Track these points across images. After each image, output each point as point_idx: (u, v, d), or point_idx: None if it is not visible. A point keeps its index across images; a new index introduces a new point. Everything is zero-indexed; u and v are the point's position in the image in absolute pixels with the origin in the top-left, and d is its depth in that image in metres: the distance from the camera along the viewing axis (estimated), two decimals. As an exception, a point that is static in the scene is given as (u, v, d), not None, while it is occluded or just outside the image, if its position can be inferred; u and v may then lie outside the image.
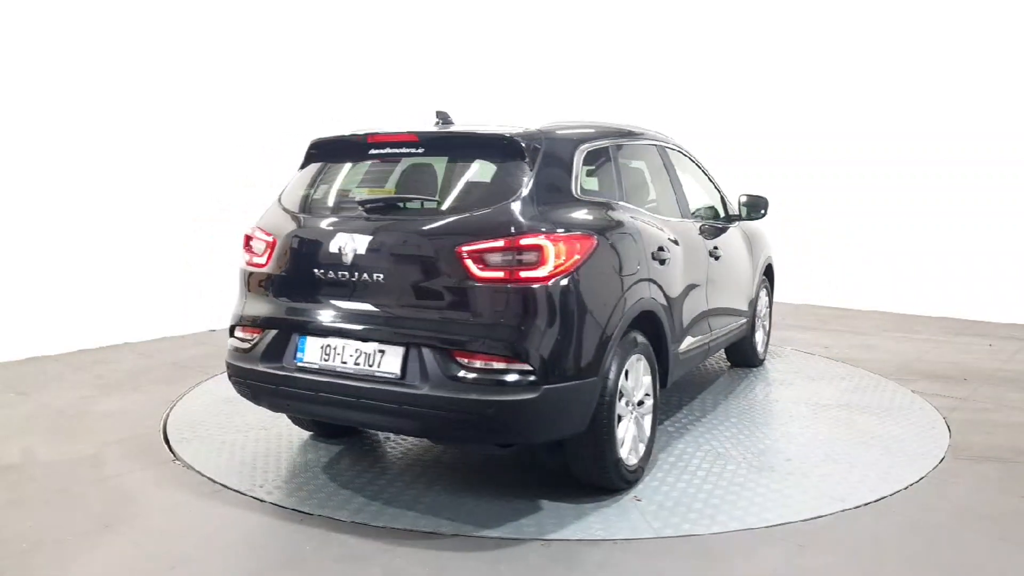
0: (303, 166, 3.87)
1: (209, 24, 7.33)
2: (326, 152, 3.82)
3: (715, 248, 4.74)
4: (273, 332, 3.49)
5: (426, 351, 3.11)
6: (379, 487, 3.64)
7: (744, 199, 5.28)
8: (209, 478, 3.75)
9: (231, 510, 3.42)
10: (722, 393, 5.30)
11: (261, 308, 3.57)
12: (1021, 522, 3.30)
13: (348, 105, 8.58)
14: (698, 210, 4.89)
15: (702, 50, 9.77)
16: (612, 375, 3.34)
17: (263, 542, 3.10)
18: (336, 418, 3.64)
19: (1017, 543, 3.11)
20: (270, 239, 3.57)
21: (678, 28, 9.90)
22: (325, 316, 3.35)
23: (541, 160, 3.34)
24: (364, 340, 3.25)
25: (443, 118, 3.72)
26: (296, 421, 4.31)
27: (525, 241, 3.06)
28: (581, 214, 3.41)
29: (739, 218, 5.34)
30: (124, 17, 6.66)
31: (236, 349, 3.64)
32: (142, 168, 6.88)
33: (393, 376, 3.16)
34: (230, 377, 3.70)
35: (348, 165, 3.78)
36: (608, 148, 3.92)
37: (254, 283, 3.65)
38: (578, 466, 3.49)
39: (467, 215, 3.25)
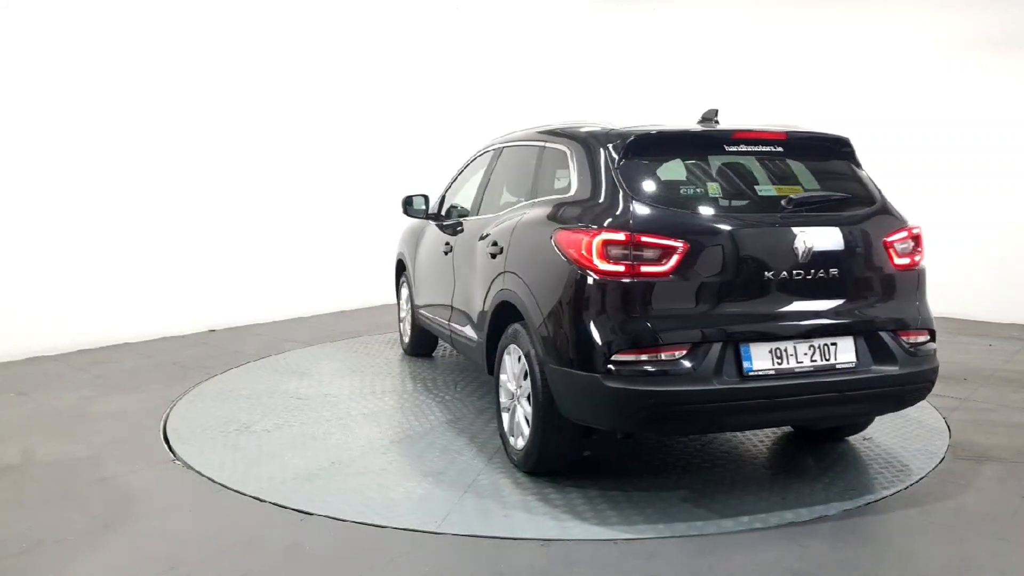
0: (624, 161, 3.53)
1: (201, 22, 7.34)
2: (661, 146, 3.66)
3: None
4: (711, 346, 3.21)
5: (883, 335, 3.46)
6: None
7: None
8: (209, 478, 3.76)
9: (231, 510, 3.42)
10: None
11: (680, 321, 3.23)
12: (1021, 522, 3.30)
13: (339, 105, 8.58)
14: None
15: (703, 48, 9.77)
16: None
17: (263, 542, 3.10)
18: (786, 420, 3.84)
19: (1017, 543, 3.10)
20: (675, 244, 3.22)
21: (679, 27, 9.91)
22: (774, 318, 3.33)
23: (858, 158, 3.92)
24: (818, 336, 3.36)
25: (712, 116, 3.91)
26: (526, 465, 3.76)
27: (915, 231, 3.68)
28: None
29: None
30: (129, 16, 6.68)
31: (653, 373, 3.18)
32: (141, 168, 6.88)
33: (851, 365, 3.39)
34: (646, 411, 3.18)
35: (696, 160, 3.69)
36: None
37: (653, 294, 3.22)
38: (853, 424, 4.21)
39: (870, 208, 3.67)
